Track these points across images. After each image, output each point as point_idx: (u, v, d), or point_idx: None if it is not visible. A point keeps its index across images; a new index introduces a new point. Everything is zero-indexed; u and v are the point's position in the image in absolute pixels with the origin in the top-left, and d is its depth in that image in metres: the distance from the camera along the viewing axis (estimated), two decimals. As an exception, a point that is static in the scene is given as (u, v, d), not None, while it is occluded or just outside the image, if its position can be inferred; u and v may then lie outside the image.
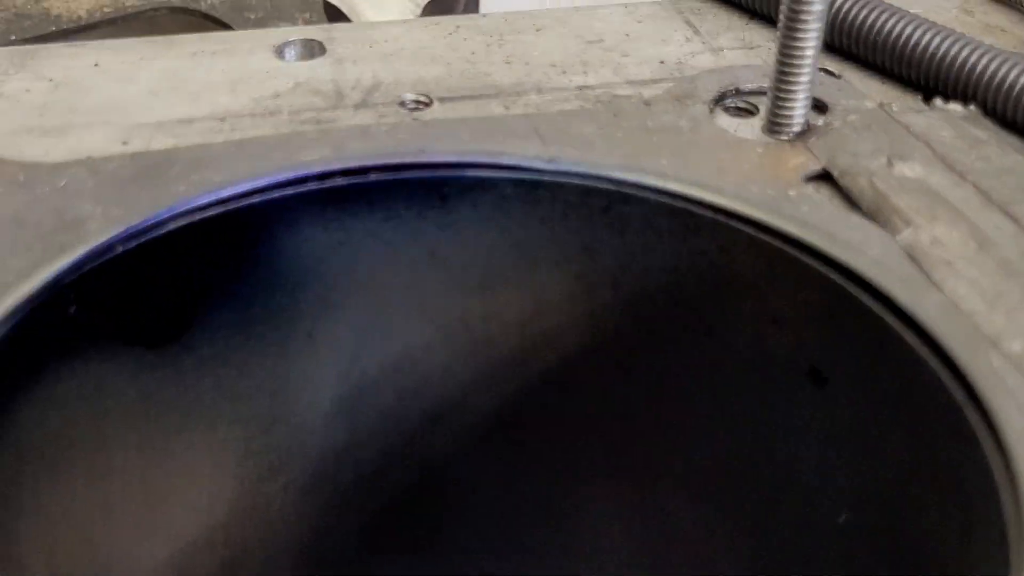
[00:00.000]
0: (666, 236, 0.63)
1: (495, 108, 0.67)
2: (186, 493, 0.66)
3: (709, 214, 0.61)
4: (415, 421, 0.71)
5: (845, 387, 0.60)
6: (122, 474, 0.63)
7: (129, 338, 0.60)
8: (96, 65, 0.70)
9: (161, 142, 0.63)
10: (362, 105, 0.67)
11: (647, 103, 0.68)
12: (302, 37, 0.73)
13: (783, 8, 0.62)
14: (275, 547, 0.72)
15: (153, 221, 0.58)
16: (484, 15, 0.77)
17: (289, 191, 0.61)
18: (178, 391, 0.64)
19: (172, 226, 0.59)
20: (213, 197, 0.60)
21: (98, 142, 0.64)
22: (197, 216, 0.59)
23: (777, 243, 0.60)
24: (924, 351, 0.54)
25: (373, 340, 0.68)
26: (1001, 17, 0.80)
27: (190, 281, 0.61)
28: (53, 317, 0.56)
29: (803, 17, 0.62)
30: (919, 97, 0.70)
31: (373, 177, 0.63)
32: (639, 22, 0.77)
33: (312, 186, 0.62)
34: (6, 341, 0.53)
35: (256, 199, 0.61)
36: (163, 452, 0.64)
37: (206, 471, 0.67)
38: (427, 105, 0.68)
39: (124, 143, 0.63)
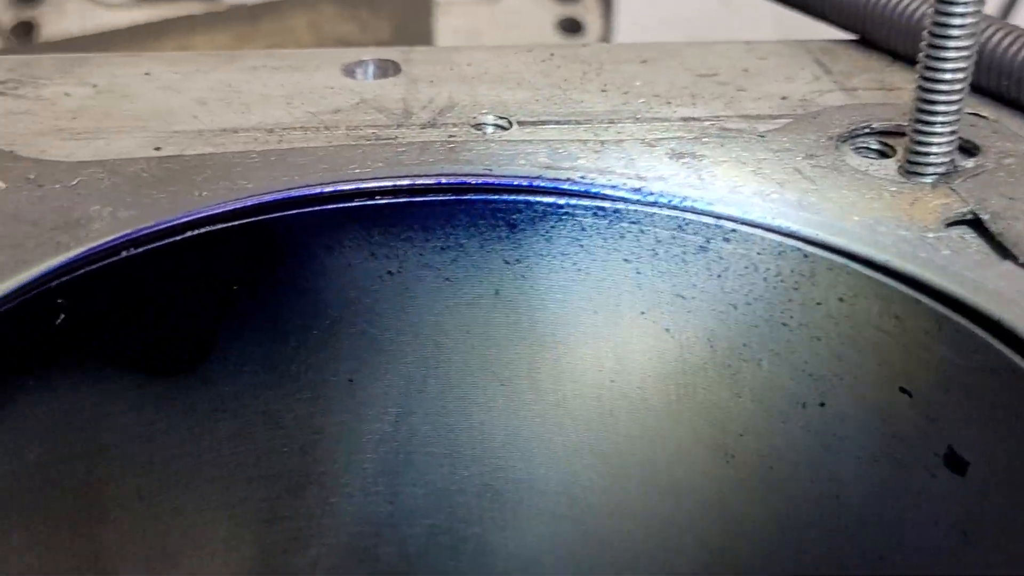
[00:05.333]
0: (774, 282, 0.52)
1: (582, 134, 0.58)
2: (195, 559, 0.57)
3: (827, 256, 0.51)
4: (471, 496, 0.60)
5: (991, 473, 0.48)
6: (117, 527, 0.54)
7: (131, 362, 0.52)
8: (146, 74, 0.63)
9: (197, 150, 0.56)
10: (430, 125, 0.59)
11: (761, 136, 0.58)
12: (376, 57, 0.66)
13: (925, 34, 0.53)
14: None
15: (166, 225, 0.50)
16: (584, 45, 0.69)
17: (329, 206, 0.53)
18: (190, 434, 0.55)
19: (189, 233, 0.51)
20: (239, 205, 0.51)
21: (128, 147, 0.56)
22: (219, 225, 0.51)
23: (911, 292, 0.49)
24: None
25: (425, 392, 0.58)
26: None
27: (209, 301, 0.53)
28: (35, 326, 0.47)
29: (951, 31, 0.52)
30: (1093, 146, 0.59)
31: (429, 197, 0.54)
32: (761, 59, 0.67)
33: (357, 203, 0.53)
34: (-29, 345, 0.45)
35: (290, 212, 0.52)
36: (169, 506, 0.55)
37: (220, 535, 0.58)
38: (505, 129, 0.59)
39: (156, 149, 0.56)
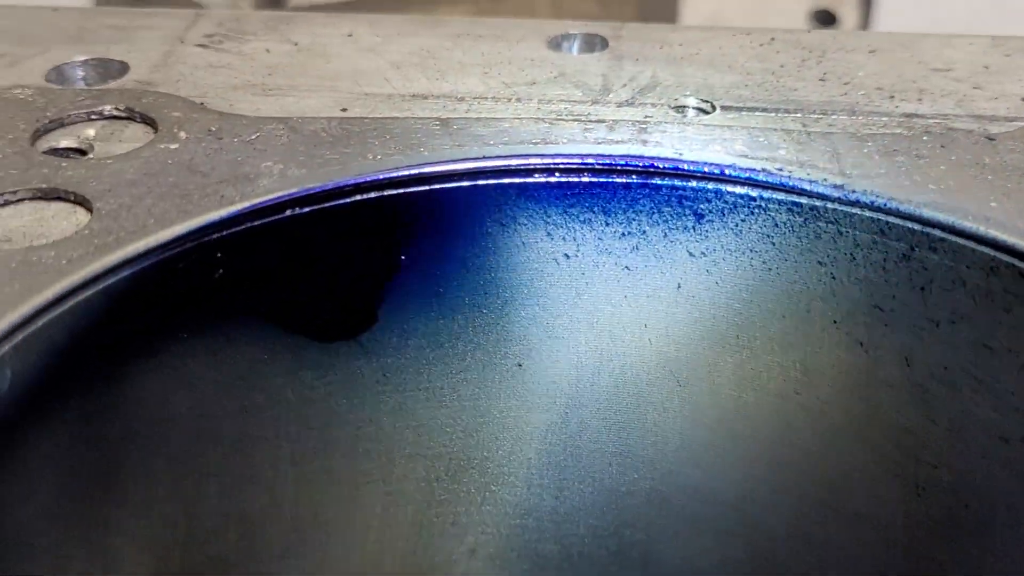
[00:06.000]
0: (982, 301, 0.47)
1: (789, 124, 0.54)
2: (348, 530, 0.56)
3: (1046, 276, 0.45)
4: (640, 499, 0.57)
5: None
6: (268, 488, 0.53)
7: (291, 324, 0.51)
8: (349, 35, 0.62)
9: (383, 113, 0.54)
10: (627, 103, 0.55)
11: (990, 138, 0.52)
12: (584, 31, 0.63)
13: None
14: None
15: (335, 186, 0.49)
16: (808, 31, 0.64)
17: (504, 180, 0.50)
18: (349, 404, 0.53)
19: (359, 196, 0.49)
20: (409, 172, 0.49)
21: (315, 106, 0.55)
22: (386, 192, 0.49)
23: None
24: None
25: (598, 386, 0.55)
26: None
27: (374, 269, 0.51)
28: (192, 278, 0.47)
29: None
30: None
31: (612, 179, 0.51)
32: (1006, 55, 0.61)
33: (535, 179, 0.51)
34: (126, 290, 0.44)
35: (462, 183, 0.50)
36: (324, 474, 0.54)
37: (377, 510, 0.56)
38: (706, 112, 0.55)
39: (343, 110, 0.55)
